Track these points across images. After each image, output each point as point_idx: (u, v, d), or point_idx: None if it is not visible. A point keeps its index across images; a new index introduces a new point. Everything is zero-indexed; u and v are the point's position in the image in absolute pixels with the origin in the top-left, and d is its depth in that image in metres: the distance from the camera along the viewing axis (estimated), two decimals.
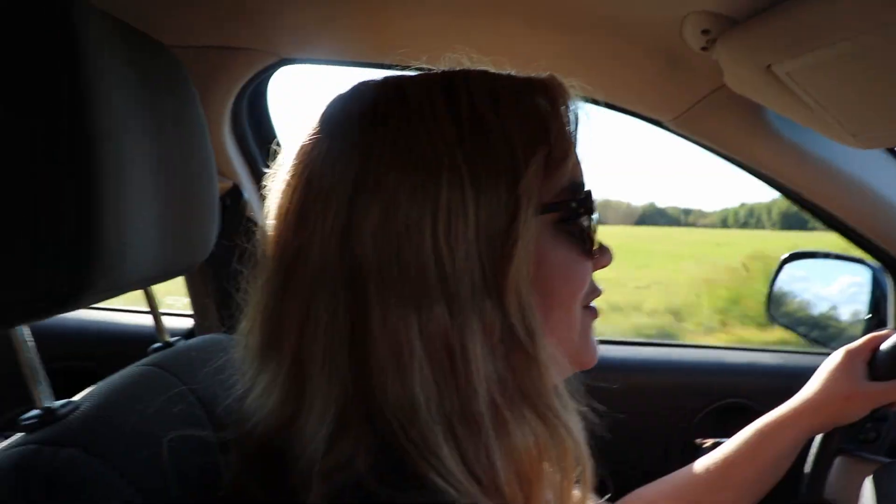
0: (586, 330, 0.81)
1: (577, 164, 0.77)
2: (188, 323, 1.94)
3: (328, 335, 0.67)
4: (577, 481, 0.74)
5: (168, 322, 1.98)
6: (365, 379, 0.67)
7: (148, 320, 1.12)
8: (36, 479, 0.63)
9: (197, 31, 1.46)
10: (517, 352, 0.69)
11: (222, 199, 1.63)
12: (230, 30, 1.47)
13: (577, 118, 0.77)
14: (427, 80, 0.74)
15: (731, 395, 1.79)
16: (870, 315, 1.79)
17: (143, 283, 0.86)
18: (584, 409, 0.78)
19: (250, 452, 0.72)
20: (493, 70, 0.78)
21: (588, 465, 0.73)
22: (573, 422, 0.72)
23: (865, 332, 1.48)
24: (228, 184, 1.68)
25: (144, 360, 0.94)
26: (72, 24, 0.71)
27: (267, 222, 0.75)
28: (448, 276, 0.66)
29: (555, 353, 0.71)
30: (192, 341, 1.08)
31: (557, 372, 0.72)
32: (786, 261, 1.90)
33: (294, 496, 0.64)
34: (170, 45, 0.99)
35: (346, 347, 0.67)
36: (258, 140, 1.79)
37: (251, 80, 1.63)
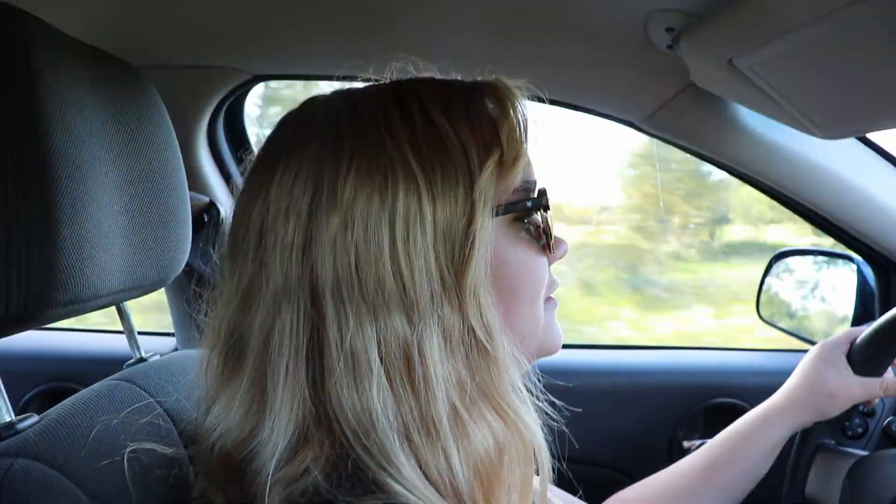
0: (549, 319, 0.82)
1: (529, 163, 0.79)
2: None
3: (289, 350, 0.68)
4: (537, 474, 0.74)
5: (156, 342, 2.00)
6: (323, 391, 0.67)
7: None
8: None
9: (167, 51, 1.47)
10: (477, 352, 0.70)
11: (199, 215, 1.64)
12: (201, 49, 1.48)
13: (525, 119, 0.78)
14: (378, 91, 0.76)
15: (720, 394, 1.78)
16: (856, 311, 1.79)
17: (111, 297, 0.86)
18: (545, 405, 0.78)
19: (213, 466, 0.73)
20: (439, 76, 0.80)
21: (546, 458, 0.74)
22: (531, 417, 0.72)
23: (853, 326, 1.48)
24: (205, 200, 1.69)
25: (114, 375, 0.94)
26: (24, 42, 0.72)
27: (228, 242, 0.76)
28: (406, 284, 0.67)
29: (514, 351, 0.72)
30: (166, 357, 1.08)
31: (516, 367, 0.73)
32: (774, 259, 1.90)
33: None
34: (141, 66, 1.00)
35: (305, 361, 0.68)
36: (235, 156, 1.79)
37: (225, 97, 1.64)
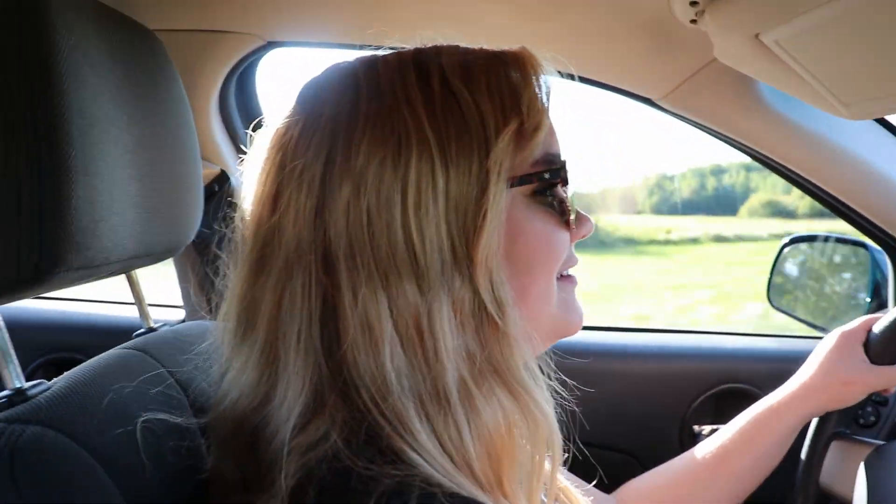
0: (567, 298, 0.81)
1: (552, 134, 0.77)
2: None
3: (302, 314, 0.68)
4: (548, 456, 0.73)
5: (164, 313, 1.99)
6: (337, 356, 0.67)
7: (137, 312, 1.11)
8: (0, 456, 0.61)
9: (182, 15, 1.46)
10: (487, 326, 0.69)
11: (210, 184, 1.63)
12: (215, 13, 1.46)
13: (549, 89, 0.77)
14: (399, 58, 0.75)
15: (731, 380, 1.77)
16: (870, 298, 1.77)
17: (123, 264, 0.84)
18: (555, 384, 0.77)
19: (226, 433, 0.73)
20: (464, 45, 0.78)
21: (558, 441, 0.73)
22: (543, 397, 0.72)
23: (866, 315, 1.47)
24: (216, 170, 1.67)
25: (125, 344, 0.93)
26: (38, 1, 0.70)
27: (243, 206, 0.76)
28: (417, 253, 0.67)
29: (526, 328, 0.71)
30: (176, 327, 1.07)
31: (529, 347, 0.72)
32: (786, 245, 1.89)
33: (269, 473, 0.63)
34: (154, 29, 0.99)
35: (319, 325, 0.68)
36: (247, 125, 1.75)
37: (237, 64, 1.61)
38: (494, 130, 0.70)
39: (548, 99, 0.76)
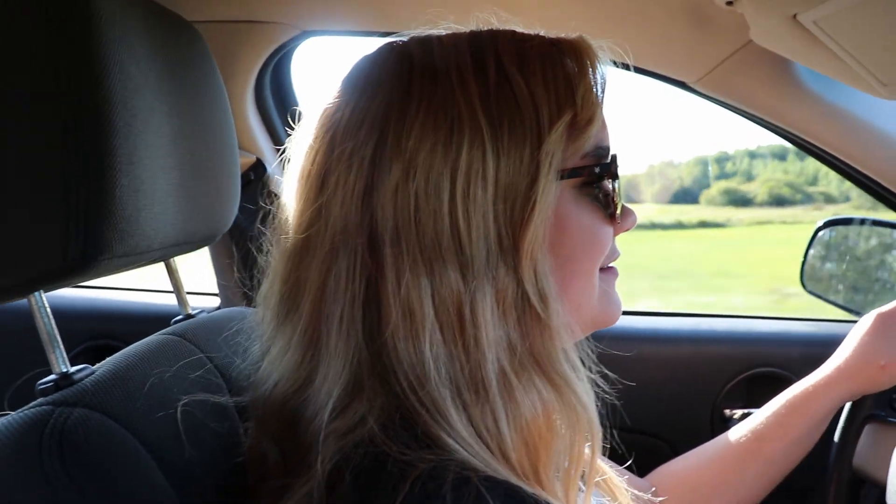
0: (607, 290, 0.80)
1: (604, 127, 0.76)
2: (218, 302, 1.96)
3: (346, 296, 0.68)
4: (587, 445, 0.73)
5: (199, 301, 2.02)
6: (378, 340, 0.67)
7: (174, 300, 1.13)
8: (48, 438, 0.64)
9: (218, 6, 1.47)
10: (529, 317, 0.69)
11: (246, 173, 1.65)
12: (251, 4, 1.47)
13: (604, 81, 0.76)
14: (454, 40, 0.74)
15: (763, 364, 1.75)
16: None
17: (164, 251, 0.86)
18: (598, 377, 0.77)
19: (266, 415, 0.73)
20: (521, 30, 0.77)
21: (598, 432, 0.73)
22: (583, 389, 0.71)
23: None
24: (252, 159, 1.69)
25: (165, 330, 0.94)
26: None
27: (289, 186, 0.76)
28: (463, 241, 0.66)
29: (568, 320, 0.71)
30: (214, 313, 1.08)
31: (569, 336, 0.72)
32: (821, 228, 1.86)
33: (307, 456, 0.64)
34: (192, 21, 1.00)
35: (361, 309, 0.68)
36: (282, 115, 1.78)
37: (273, 53, 1.62)
38: (548, 121, 0.69)
39: (603, 91, 0.76)
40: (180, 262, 1.11)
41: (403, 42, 0.76)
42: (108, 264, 0.75)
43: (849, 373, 1.20)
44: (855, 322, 1.27)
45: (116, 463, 0.67)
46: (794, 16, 0.98)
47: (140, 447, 0.69)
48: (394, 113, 0.68)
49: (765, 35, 1.17)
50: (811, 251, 1.86)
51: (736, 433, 1.24)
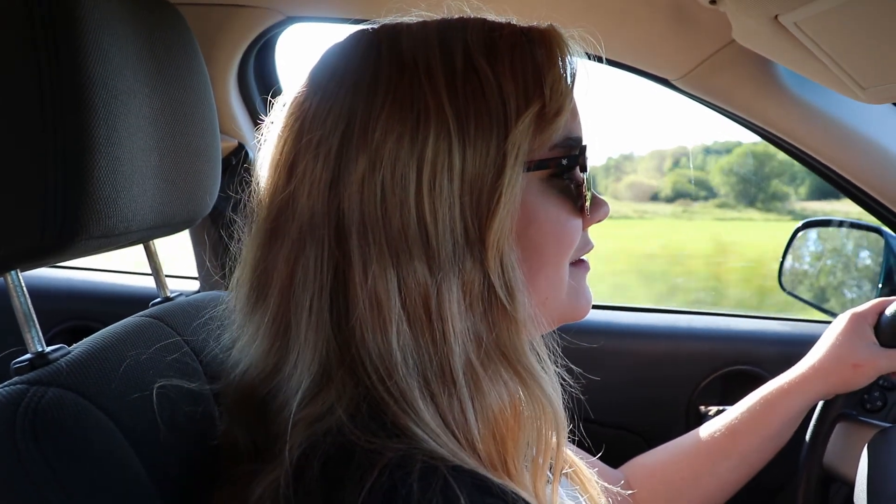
0: (578, 283, 0.80)
1: (574, 118, 0.76)
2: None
3: (314, 285, 0.68)
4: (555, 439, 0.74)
5: (180, 284, 2.02)
6: (346, 330, 0.67)
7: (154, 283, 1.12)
8: (22, 416, 0.64)
9: None
10: (496, 309, 0.69)
11: (228, 157, 1.64)
12: None
13: (575, 71, 0.75)
14: (423, 29, 0.73)
15: (739, 361, 1.77)
16: (882, 284, 1.76)
17: (142, 234, 0.86)
18: (564, 370, 0.77)
19: (236, 402, 0.73)
20: (492, 18, 0.76)
21: (563, 425, 0.73)
22: (549, 382, 0.72)
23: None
24: (234, 143, 1.68)
25: (142, 312, 0.94)
26: None
27: (259, 174, 0.76)
28: (430, 233, 0.66)
29: (535, 313, 0.71)
30: (192, 296, 1.08)
31: (536, 329, 0.72)
32: (799, 229, 1.88)
33: (277, 443, 0.64)
34: (175, 3, 0.99)
35: (329, 299, 0.68)
36: (265, 100, 1.75)
37: (257, 38, 1.62)
38: (515, 112, 0.68)
39: (573, 81, 0.74)
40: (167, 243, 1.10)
41: (373, 30, 0.75)
42: (86, 245, 0.75)
43: (823, 372, 1.20)
44: (830, 322, 1.28)
45: (90, 443, 0.67)
46: (776, 17, 0.98)
47: (114, 428, 0.69)
48: (360, 103, 0.68)
49: (746, 35, 1.17)
50: (789, 252, 1.87)
51: (710, 428, 1.25)
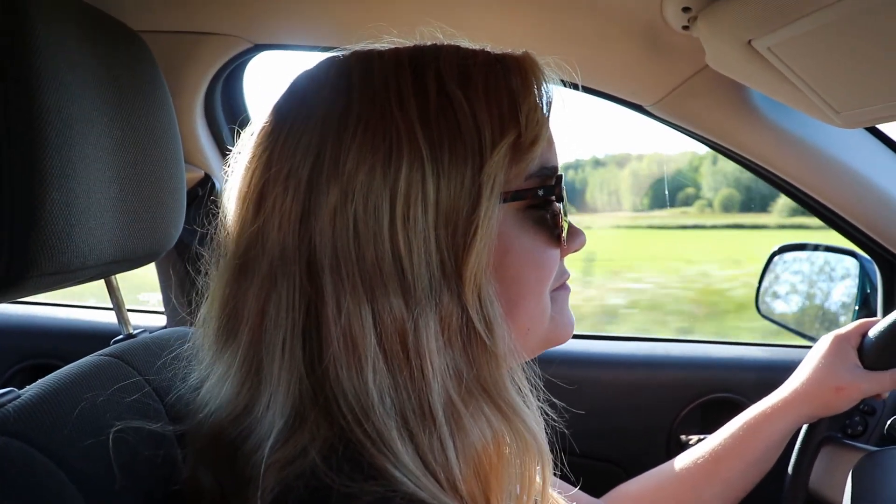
0: (560, 309, 0.78)
1: (550, 146, 0.74)
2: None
3: (286, 323, 0.65)
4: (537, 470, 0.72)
5: (147, 320, 1.97)
6: (320, 369, 0.65)
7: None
8: None
9: (166, 16, 1.44)
10: (475, 344, 0.67)
11: (194, 188, 1.61)
12: (201, 15, 1.44)
13: (550, 99, 0.74)
14: (396, 56, 0.71)
15: (719, 389, 1.76)
16: (858, 307, 1.77)
17: (101, 269, 0.82)
18: (546, 404, 0.76)
19: (204, 444, 0.70)
20: (467, 45, 0.74)
21: (548, 459, 0.71)
22: (532, 416, 0.70)
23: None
24: (200, 174, 1.65)
25: (102, 351, 0.90)
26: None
27: (227, 206, 0.73)
28: (405, 267, 0.64)
29: (514, 346, 0.69)
30: (155, 333, 1.04)
31: (516, 360, 0.70)
32: (775, 253, 1.88)
33: (247, 487, 0.61)
34: (139, 30, 0.97)
35: (301, 337, 0.65)
36: (233, 129, 1.73)
37: (224, 66, 1.59)
38: (490, 142, 0.66)
39: (548, 109, 0.73)
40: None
41: (344, 57, 0.73)
42: (38, 282, 0.71)
43: (806, 395, 1.20)
44: (809, 347, 1.27)
45: (37, 494, 0.63)
46: (749, 41, 0.98)
47: (65, 478, 0.66)
48: (331, 133, 0.66)
49: (720, 60, 1.17)
50: (765, 276, 1.87)
51: (693, 454, 1.24)
